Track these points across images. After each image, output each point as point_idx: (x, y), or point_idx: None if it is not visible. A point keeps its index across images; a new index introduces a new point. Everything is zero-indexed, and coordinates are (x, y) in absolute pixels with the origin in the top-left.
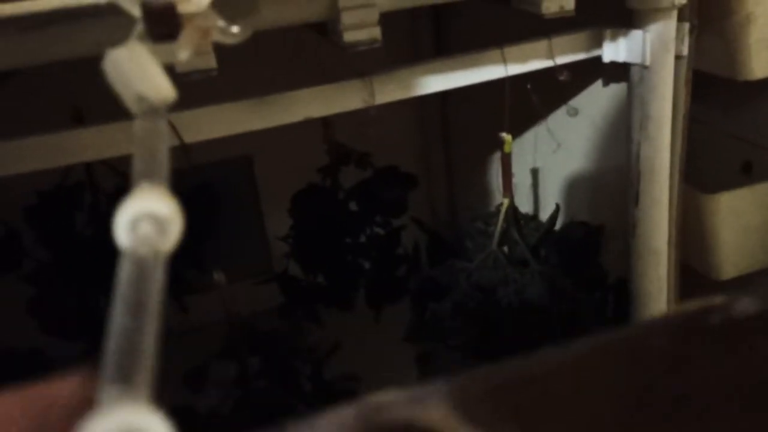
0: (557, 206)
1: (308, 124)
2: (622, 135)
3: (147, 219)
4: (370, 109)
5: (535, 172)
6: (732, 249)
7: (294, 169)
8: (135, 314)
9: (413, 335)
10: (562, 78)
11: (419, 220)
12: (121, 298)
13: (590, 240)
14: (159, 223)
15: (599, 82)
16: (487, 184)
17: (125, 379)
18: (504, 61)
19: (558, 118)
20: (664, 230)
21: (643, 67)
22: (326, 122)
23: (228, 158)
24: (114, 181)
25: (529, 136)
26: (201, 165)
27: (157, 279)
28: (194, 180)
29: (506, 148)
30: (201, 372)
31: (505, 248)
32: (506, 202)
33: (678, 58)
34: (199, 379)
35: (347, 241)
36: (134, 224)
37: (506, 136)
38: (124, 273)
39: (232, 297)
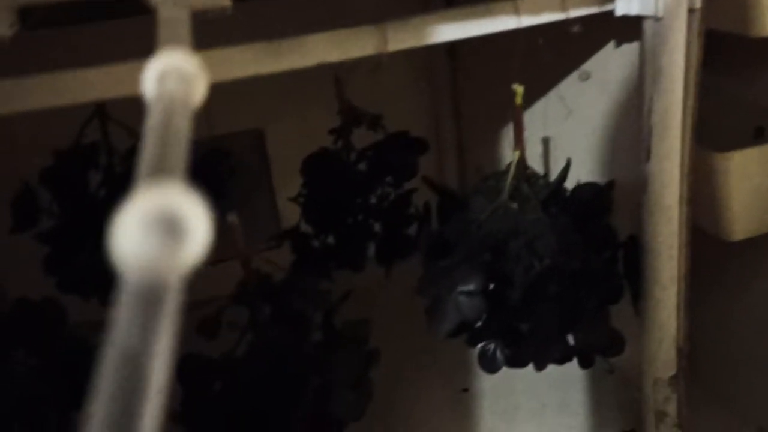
0: (568, 161)
1: (318, 95)
2: (633, 98)
3: (173, 74)
4: (381, 56)
5: (545, 142)
6: (743, 210)
7: (304, 143)
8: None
9: (424, 287)
10: (575, 30)
11: (430, 179)
12: (149, 145)
13: (600, 199)
14: (185, 79)
15: (611, 44)
16: (497, 150)
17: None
18: (517, 12)
19: (569, 84)
20: (676, 186)
21: (656, 19)
22: (338, 80)
23: (239, 132)
24: (129, 142)
25: (540, 106)
26: (215, 137)
27: (184, 128)
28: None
29: (517, 100)
30: (214, 319)
31: (515, 206)
32: (517, 155)
33: (691, 11)
34: (212, 326)
35: (358, 203)
36: (161, 79)
37: (518, 88)
38: (152, 120)
39: (245, 240)
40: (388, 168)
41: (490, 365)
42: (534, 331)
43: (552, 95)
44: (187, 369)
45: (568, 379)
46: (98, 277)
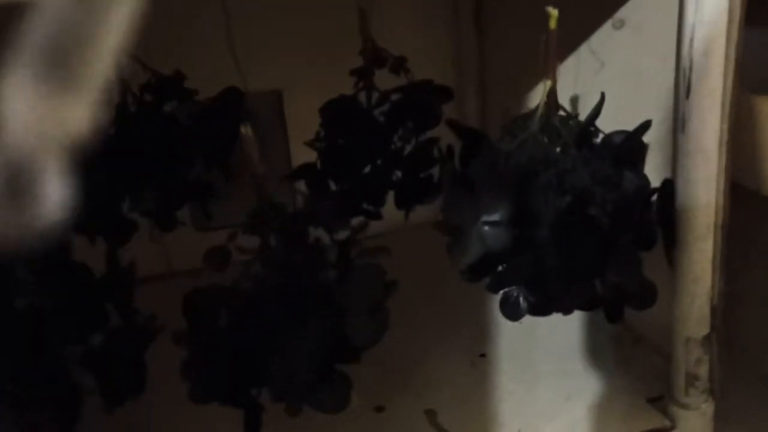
0: (602, 95)
1: (339, 59)
2: (670, 43)
3: None
4: None
5: (574, 101)
6: None
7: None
8: None
9: (445, 217)
10: None
11: (455, 121)
12: None
13: (633, 140)
14: None
15: None
16: (522, 98)
17: None
18: None
19: (601, 35)
20: (716, 124)
21: None
22: (362, 13)
23: (257, 92)
24: (144, 77)
25: (569, 62)
26: None
27: None
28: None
29: (552, 24)
30: (223, 248)
31: (545, 138)
32: (548, 85)
33: None
34: (221, 256)
35: (377, 150)
36: None
37: (552, 11)
38: None
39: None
40: (411, 115)
41: (513, 312)
42: (560, 272)
43: (582, 49)
44: (192, 301)
45: (591, 347)
46: (107, 217)
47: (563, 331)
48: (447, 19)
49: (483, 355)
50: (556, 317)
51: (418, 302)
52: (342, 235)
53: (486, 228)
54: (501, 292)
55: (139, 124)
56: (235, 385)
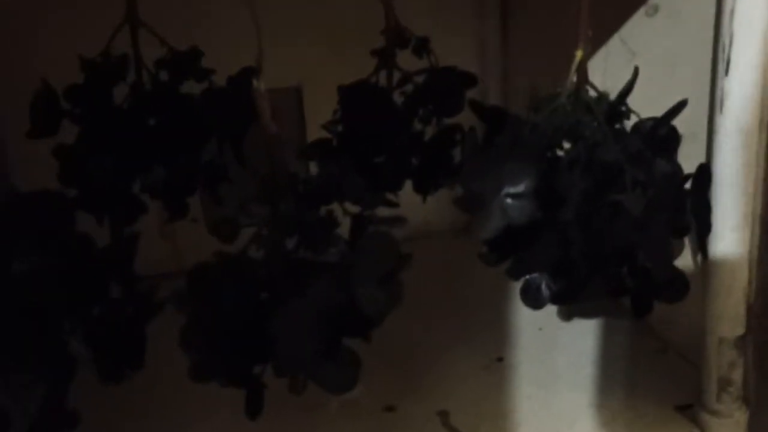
0: (636, 69)
1: (357, 51)
2: (708, 27)
3: None
4: None
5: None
6: None
7: None
8: None
9: (465, 185)
10: None
11: (477, 102)
12: None
13: (666, 126)
14: None
15: None
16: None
17: None
18: None
19: (633, 24)
20: (757, 103)
21: None
22: None
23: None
24: (160, 52)
25: (598, 57)
26: None
27: None
28: None
29: None
30: (231, 219)
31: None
32: (579, 55)
33: None
34: (229, 227)
35: (396, 135)
36: None
37: None
38: None
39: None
40: (432, 99)
41: (534, 300)
42: (586, 257)
43: (613, 41)
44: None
45: (614, 353)
46: (115, 195)
47: (585, 337)
48: (471, 2)
49: (500, 359)
50: (577, 324)
51: (434, 304)
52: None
53: (509, 200)
54: (522, 278)
55: (153, 101)
56: (236, 362)
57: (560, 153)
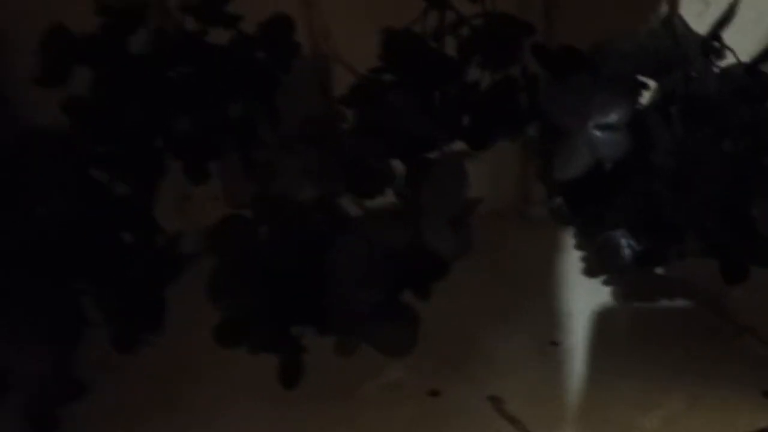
0: (731, 4)
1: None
2: None
3: None
4: None
5: None
6: None
7: None
8: None
9: (546, 115)
10: None
11: (542, 47)
12: None
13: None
14: None
15: None
16: None
17: None
18: None
19: None
20: None
21: None
22: None
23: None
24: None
25: None
26: None
27: None
28: None
29: None
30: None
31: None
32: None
33: None
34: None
35: (445, 89)
36: None
37: None
38: None
39: None
40: (486, 49)
41: (613, 261)
42: (678, 209)
43: None
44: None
45: (686, 337)
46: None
47: (646, 322)
48: None
49: (555, 343)
50: (635, 306)
51: (484, 287)
52: None
53: (598, 133)
54: (600, 238)
55: (175, 50)
56: (274, 319)
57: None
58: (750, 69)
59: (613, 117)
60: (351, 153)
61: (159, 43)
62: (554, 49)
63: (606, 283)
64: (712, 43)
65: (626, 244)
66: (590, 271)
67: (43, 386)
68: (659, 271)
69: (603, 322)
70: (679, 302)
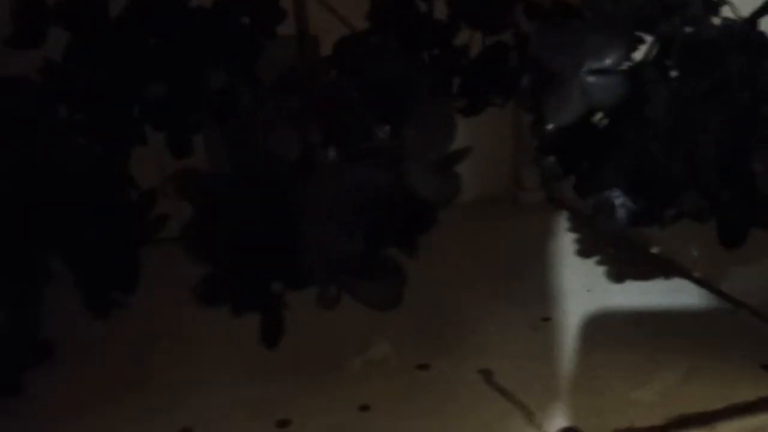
0: None
1: None
2: None
3: None
4: None
5: None
6: None
7: None
8: None
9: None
10: None
11: (535, 4)
12: None
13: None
14: None
15: None
16: None
17: None
18: None
19: None
20: None
21: None
22: None
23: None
24: None
25: None
26: None
27: None
28: None
29: None
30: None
31: None
32: None
33: None
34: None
35: (435, 53)
36: None
37: None
38: None
39: None
40: (477, 13)
41: (608, 222)
42: (674, 167)
43: None
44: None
45: (678, 313)
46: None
47: (638, 300)
48: None
49: (547, 319)
50: (630, 285)
51: (478, 265)
52: None
53: (591, 78)
54: (594, 197)
55: (155, 13)
56: (250, 277)
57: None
58: (749, 22)
59: (607, 61)
60: (330, 101)
61: (138, 6)
62: (547, 6)
63: (600, 263)
64: None
65: (621, 203)
66: (584, 252)
67: (4, 349)
68: (655, 250)
69: (596, 300)
70: (675, 280)
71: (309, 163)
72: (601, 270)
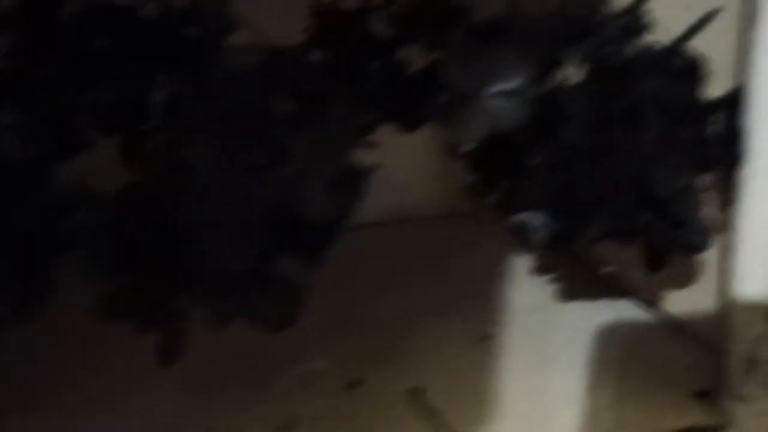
0: None
1: None
2: None
3: None
4: None
5: None
6: None
7: None
8: None
9: (445, 78)
10: None
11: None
12: None
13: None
14: None
15: None
16: None
17: None
18: None
19: None
20: None
21: None
22: None
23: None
24: None
25: None
26: None
27: None
28: None
29: None
30: None
31: None
32: None
33: None
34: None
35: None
36: None
37: None
38: None
39: None
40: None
41: (531, 240)
42: (592, 187)
43: None
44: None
45: (619, 334)
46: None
47: (585, 317)
48: None
49: (488, 337)
50: (577, 304)
51: (422, 281)
52: None
53: (497, 99)
54: (515, 217)
55: (99, 20)
56: (148, 296)
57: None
58: (674, 45)
59: (514, 83)
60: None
61: (83, 13)
62: (482, 23)
63: (552, 281)
64: (635, 15)
65: (543, 224)
66: (538, 270)
67: None
68: (607, 269)
69: (540, 319)
70: (620, 302)
71: (192, 177)
72: (551, 289)
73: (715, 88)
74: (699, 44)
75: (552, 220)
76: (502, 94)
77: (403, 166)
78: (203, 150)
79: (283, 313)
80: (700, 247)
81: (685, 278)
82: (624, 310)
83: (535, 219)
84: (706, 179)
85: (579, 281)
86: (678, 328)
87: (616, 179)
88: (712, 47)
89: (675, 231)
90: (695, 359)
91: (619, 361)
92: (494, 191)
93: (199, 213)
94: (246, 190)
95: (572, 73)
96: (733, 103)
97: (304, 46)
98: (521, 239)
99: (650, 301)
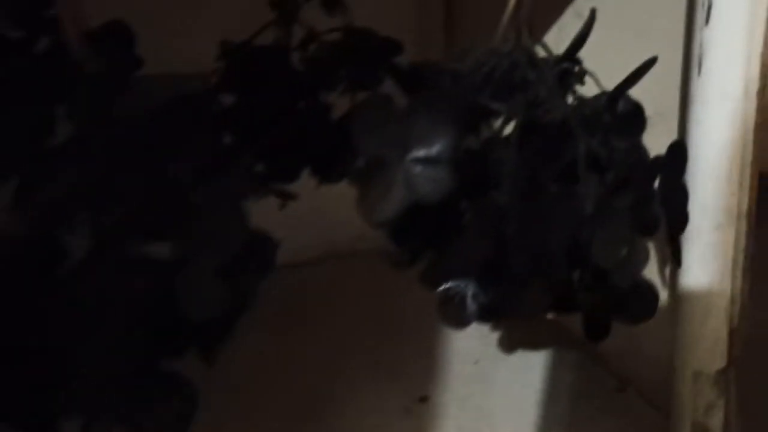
0: (592, 11)
1: None
2: None
3: None
4: None
5: None
6: None
7: None
8: None
9: (359, 143)
10: None
11: (395, 66)
12: None
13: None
14: None
15: None
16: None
17: None
18: None
19: None
20: (742, 61)
21: None
22: None
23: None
24: None
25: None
26: None
27: None
28: None
29: None
30: None
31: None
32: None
33: None
34: None
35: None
36: None
37: None
38: None
39: None
40: (345, 67)
41: (457, 316)
42: (524, 258)
43: (568, 13)
44: None
45: (563, 393)
46: None
47: (528, 373)
48: None
49: (424, 399)
50: (520, 356)
51: (350, 331)
52: None
53: (417, 168)
54: (441, 288)
55: None
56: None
57: (491, 113)
58: (611, 97)
59: (435, 149)
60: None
61: None
62: (406, 69)
63: (495, 328)
64: (569, 66)
65: (471, 296)
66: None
67: None
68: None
69: (480, 374)
70: (566, 352)
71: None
72: (494, 337)
73: (655, 142)
74: (638, 94)
75: (482, 291)
76: (423, 162)
77: (338, 199)
78: (78, 227)
79: (176, 415)
80: (644, 316)
81: (630, 342)
82: (566, 362)
83: (463, 290)
84: (649, 242)
85: (523, 328)
86: (624, 383)
87: (550, 247)
88: (652, 98)
89: (617, 300)
90: (639, 415)
91: (567, 417)
92: (418, 261)
93: (69, 302)
94: (124, 280)
95: (501, 129)
96: (675, 158)
97: (212, 89)
98: (449, 312)
99: (598, 356)
